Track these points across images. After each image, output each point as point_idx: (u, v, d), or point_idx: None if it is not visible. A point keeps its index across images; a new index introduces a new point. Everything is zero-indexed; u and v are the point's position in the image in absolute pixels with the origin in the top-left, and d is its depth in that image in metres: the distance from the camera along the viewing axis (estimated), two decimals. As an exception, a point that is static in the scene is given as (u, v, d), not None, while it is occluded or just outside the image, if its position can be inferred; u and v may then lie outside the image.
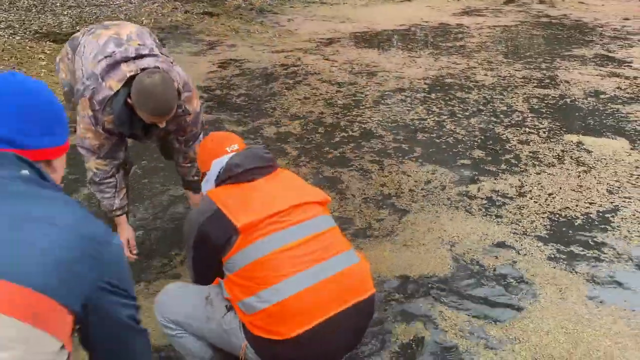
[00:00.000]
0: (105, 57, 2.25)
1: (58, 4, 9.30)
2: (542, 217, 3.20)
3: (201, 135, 2.67)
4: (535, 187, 3.55)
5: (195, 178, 2.71)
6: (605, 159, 3.97)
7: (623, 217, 3.21)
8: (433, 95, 5.37)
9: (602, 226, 3.12)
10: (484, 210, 3.29)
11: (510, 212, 3.27)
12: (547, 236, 3.02)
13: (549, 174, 3.74)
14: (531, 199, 3.41)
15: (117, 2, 9.72)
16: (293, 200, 1.88)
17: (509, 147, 4.19)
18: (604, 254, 2.87)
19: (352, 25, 8.84)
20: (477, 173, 3.77)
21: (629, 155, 4.02)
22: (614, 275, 2.70)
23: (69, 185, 3.45)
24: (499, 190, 3.52)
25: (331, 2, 10.96)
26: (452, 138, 4.35)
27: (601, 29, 8.53)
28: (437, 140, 4.31)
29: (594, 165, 3.87)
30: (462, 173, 3.77)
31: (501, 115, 4.83)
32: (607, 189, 3.53)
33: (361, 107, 5.05)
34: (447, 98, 5.29)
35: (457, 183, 3.63)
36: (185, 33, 8.06)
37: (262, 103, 5.15)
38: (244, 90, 5.52)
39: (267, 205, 1.84)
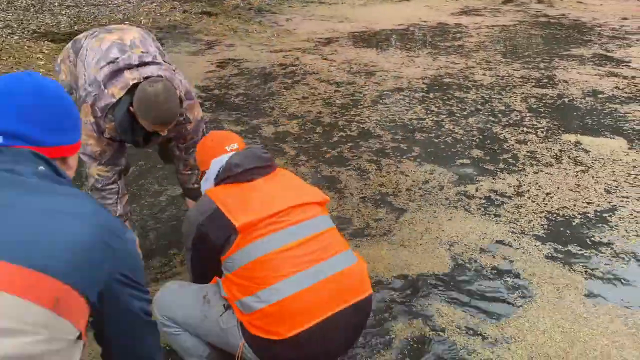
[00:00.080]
0: (108, 63, 2.23)
1: (56, 4, 9.30)
2: (540, 217, 3.21)
3: None
4: (533, 187, 3.56)
5: (196, 186, 2.70)
6: (603, 158, 3.97)
7: (621, 216, 3.21)
8: (431, 95, 5.37)
9: (600, 225, 3.12)
10: (482, 209, 3.29)
11: (508, 211, 3.27)
12: (544, 235, 3.02)
13: (547, 173, 3.75)
14: (529, 198, 3.42)
15: (116, 2, 9.72)
16: (292, 201, 1.89)
17: (507, 146, 4.19)
18: (602, 253, 2.87)
19: (351, 25, 8.85)
20: (475, 172, 3.77)
21: (627, 155, 4.03)
22: (611, 274, 2.70)
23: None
24: (497, 190, 3.53)
25: (329, 2, 10.96)
26: (450, 138, 4.35)
27: (599, 28, 8.53)
28: (436, 140, 4.31)
29: (591, 164, 3.87)
30: (460, 172, 3.77)
31: (499, 115, 4.83)
32: (604, 189, 3.53)
33: (359, 106, 5.05)
34: (446, 98, 5.29)
35: (455, 182, 3.63)
36: (183, 33, 8.06)
37: (261, 103, 5.15)
38: (243, 90, 5.52)
39: (266, 205, 1.85)
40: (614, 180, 3.64)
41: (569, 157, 4.00)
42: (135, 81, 2.16)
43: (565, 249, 2.90)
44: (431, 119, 4.76)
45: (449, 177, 3.70)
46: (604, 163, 3.89)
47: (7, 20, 7.94)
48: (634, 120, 4.69)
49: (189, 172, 2.73)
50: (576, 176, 3.70)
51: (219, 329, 1.86)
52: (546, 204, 3.34)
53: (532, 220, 3.17)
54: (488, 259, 2.82)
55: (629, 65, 6.41)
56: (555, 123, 4.64)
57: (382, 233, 3.06)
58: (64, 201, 1.10)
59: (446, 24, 8.92)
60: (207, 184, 2.06)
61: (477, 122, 4.68)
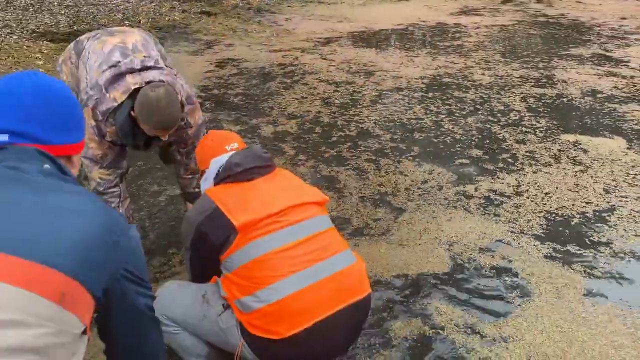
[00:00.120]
0: (110, 67, 2.23)
1: (55, 3, 9.29)
2: (539, 217, 3.21)
3: None
4: (532, 187, 3.56)
5: (196, 190, 2.70)
6: (601, 158, 3.98)
7: (619, 216, 3.21)
8: (430, 95, 5.37)
9: (599, 225, 3.12)
10: (481, 209, 3.30)
11: (507, 211, 3.27)
12: (543, 235, 3.03)
13: (546, 173, 3.75)
14: (528, 198, 3.42)
15: (115, 2, 9.72)
16: (292, 201, 1.89)
17: (506, 146, 4.19)
18: (601, 253, 2.87)
19: (350, 25, 8.85)
20: (474, 172, 3.77)
21: (625, 154, 4.03)
22: (610, 274, 2.71)
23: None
24: (496, 190, 3.53)
25: (329, 2, 10.96)
26: (449, 138, 4.36)
27: (598, 28, 8.54)
28: (435, 140, 4.32)
29: (590, 164, 3.88)
30: (459, 172, 3.77)
31: (498, 115, 4.83)
32: (603, 188, 3.54)
33: (358, 106, 5.05)
34: (445, 97, 5.30)
35: (454, 182, 3.63)
36: (182, 32, 8.06)
37: (260, 102, 5.15)
38: (242, 90, 5.52)
39: (266, 204, 1.85)
40: (612, 180, 3.64)
41: (567, 156, 4.00)
42: (137, 86, 2.16)
43: (564, 248, 2.91)
44: (430, 118, 4.76)
45: (448, 177, 3.70)
46: (603, 163, 3.90)
47: (6, 20, 7.94)
48: (632, 120, 4.70)
49: (190, 176, 2.74)
50: (575, 176, 3.71)
51: (218, 329, 1.87)
52: (545, 204, 3.35)
53: (531, 220, 3.17)
54: (487, 259, 2.82)
55: (628, 65, 6.42)
56: (554, 123, 4.64)
57: (381, 232, 3.06)
58: (69, 198, 1.11)
59: (445, 24, 8.93)
60: (206, 184, 2.06)
61: (476, 121, 4.68)
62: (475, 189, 3.53)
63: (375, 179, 3.68)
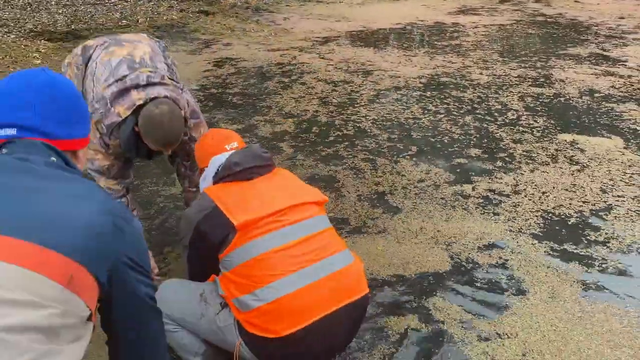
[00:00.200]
0: (117, 80, 2.24)
1: (53, 3, 9.28)
2: (536, 216, 3.21)
3: None
4: (530, 186, 3.56)
5: None
6: (598, 157, 3.98)
7: (616, 215, 3.22)
8: (428, 94, 5.38)
9: (596, 225, 3.13)
10: (478, 208, 3.30)
11: (505, 210, 3.28)
12: (540, 234, 3.03)
13: (543, 172, 3.75)
14: (525, 197, 3.42)
15: (112, 0, 9.70)
16: (291, 200, 1.90)
17: (504, 145, 4.19)
18: (598, 252, 2.88)
19: (348, 24, 8.85)
20: (472, 171, 3.78)
21: (622, 154, 4.04)
22: (607, 273, 2.71)
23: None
24: (493, 189, 3.53)
25: (327, 1, 10.96)
26: (447, 137, 4.36)
27: (596, 27, 8.54)
28: (432, 139, 4.32)
29: (587, 164, 3.88)
30: (457, 171, 3.78)
31: (496, 114, 4.84)
32: (600, 188, 3.54)
33: (356, 105, 5.05)
34: (442, 97, 5.30)
35: (452, 181, 3.63)
36: (180, 32, 8.06)
37: (258, 101, 5.15)
38: (240, 89, 5.52)
39: (265, 204, 1.85)
40: (609, 180, 3.65)
41: (565, 156, 4.00)
42: (141, 102, 2.18)
43: (561, 247, 2.91)
44: (428, 118, 4.76)
45: (445, 176, 3.70)
46: (600, 162, 3.90)
47: (4, 19, 7.93)
48: (630, 120, 4.70)
49: (194, 189, 2.74)
50: (572, 175, 3.71)
51: (215, 327, 1.87)
52: (542, 203, 3.35)
53: (528, 219, 3.17)
54: (484, 257, 2.82)
55: (626, 65, 6.42)
56: (552, 122, 4.65)
57: (378, 231, 3.06)
58: (75, 187, 1.16)
59: (443, 23, 8.93)
60: (205, 182, 2.06)
61: (474, 121, 4.68)
62: (473, 188, 3.54)
63: (372, 178, 3.69)
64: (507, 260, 2.81)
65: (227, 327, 1.84)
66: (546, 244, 2.94)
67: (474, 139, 4.31)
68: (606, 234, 3.04)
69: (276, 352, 1.78)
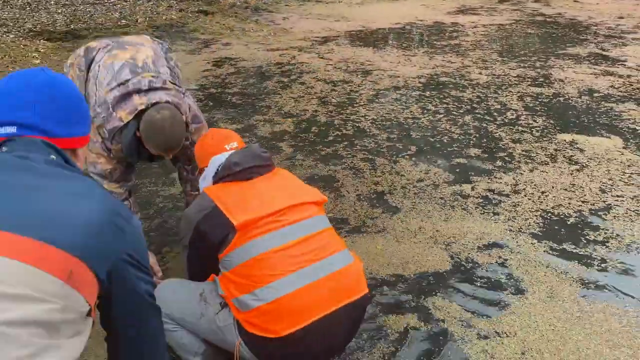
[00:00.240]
0: (119, 84, 2.24)
1: (52, 2, 9.28)
2: (535, 215, 3.21)
3: None
4: (529, 186, 3.56)
5: None
6: (598, 157, 3.98)
7: (616, 215, 3.22)
8: (427, 94, 5.38)
9: (595, 224, 3.13)
10: (478, 208, 3.30)
11: (505, 209, 3.28)
12: (539, 234, 3.03)
13: (542, 172, 3.75)
14: (525, 197, 3.42)
15: (112, 0, 9.70)
16: (290, 200, 1.90)
17: (503, 145, 4.20)
18: (597, 251, 2.88)
19: (347, 24, 8.85)
20: (471, 171, 3.78)
21: (622, 154, 4.04)
22: (606, 273, 2.71)
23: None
24: (493, 189, 3.53)
25: (326, 1, 10.96)
26: (446, 137, 4.36)
27: (595, 27, 8.55)
28: (431, 139, 4.32)
29: (586, 163, 3.88)
30: (456, 171, 3.78)
31: (495, 114, 4.84)
32: (599, 188, 3.54)
33: (355, 105, 5.05)
34: (442, 96, 5.30)
35: (451, 181, 3.63)
36: (180, 31, 8.06)
37: (257, 101, 5.15)
38: (239, 89, 5.52)
39: (264, 204, 1.85)
40: (609, 179, 3.65)
41: (564, 156, 4.01)
42: (143, 107, 2.19)
43: (560, 247, 2.91)
44: (427, 117, 4.76)
45: (444, 176, 3.70)
46: (599, 162, 3.90)
47: (3, 19, 7.92)
48: (629, 119, 4.70)
49: (196, 193, 2.75)
50: (571, 175, 3.71)
51: (215, 327, 1.87)
52: (541, 203, 3.35)
53: (527, 219, 3.17)
54: (483, 257, 2.82)
55: (625, 64, 6.43)
56: (551, 122, 4.65)
57: (377, 231, 3.06)
58: (75, 185, 1.17)
59: (442, 23, 8.93)
60: (205, 182, 2.07)
61: (473, 120, 4.69)
62: (472, 188, 3.54)
63: (371, 177, 3.69)
64: (506, 259, 2.81)
65: (226, 327, 1.85)
66: (545, 243, 2.94)
67: (473, 139, 4.31)
68: (605, 233, 3.04)
69: (276, 352, 1.78)
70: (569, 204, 3.35)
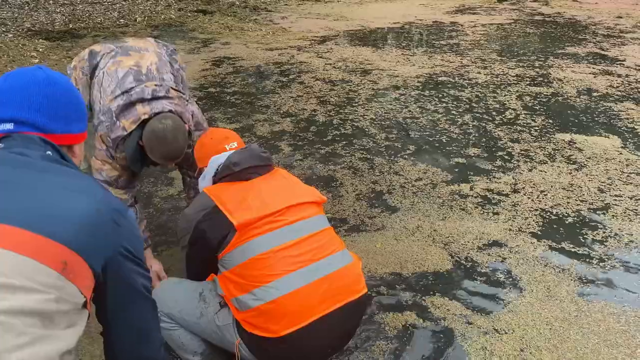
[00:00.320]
0: (122, 93, 2.26)
1: (51, 2, 9.27)
2: (534, 215, 3.21)
3: None
4: (528, 185, 3.57)
5: None
6: (596, 157, 3.99)
7: (614, 214, 3.22)
8: (426, 93, 5.38)
9: (593, 224, 3.13)
10: (476, 207, 3.30)
11: (503, 208, 3.28)
12: (538, 233, 3.03)
13: (541, 171, 3.76)
14: (524, 196, 3.43)
15: (110, 0, 9.70)
16: (289, 200, 1.90)
17: (502, 144, 4.20)
18: (595, 251, 2.88)
19: (346, 23, 8.85)
20: (469, 171, 3.78)
21: (620, 153, 4.04)
22: (604, 272, 2.72)
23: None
24: (491, 188, 3.53)
25: (325, 0, 10.96)
26: (445, 136, 4.36)
27: (594, 27, 8.56)
28: (430, 139, 4.32)
29: (585, 163, 3.89)
30: (455, 170, 3.78)
31: (494, 113, 4.84)
32: (598, 187, 3.54)
33: (354, 105, 5.05)
34: (441, 96, 5.30)
35: (450, 181, 3.64)
36: (179, 31, 8.06)
37: (256, 101, 5.15)
38: (238, 88, 5.52)
39: (264, 204, 1.86)
40: (607, 179, 3.65)
41: (562, 155, 4.01)
42: (146, 116, 2.20)
43: (559, 246, 2.91)
44: (426, 117, 4.76)
45: (443, 176, 3.71)
46: (598, 161, 3.91)
47: (2, 18, 7.92)
48: (627, 119, 4.71)
49: None
50: (570, 174, 3.71)
51: (214, 327, 1.88)
52: (540, 202, 3.35)
53: (526, 218, 3.18)
54: (482, 255, 2.83)
55: (623, 64, 6.43)
56: (550, 121, 4.65)
57: (376, 230, 3.06)
58: (71, 179, 1.19)
59: (442, 23, 8.93)
60: (205, 182, 2.07)
61: (472, 120, 4.69)
62: (471, 187, 3.54)
63: (370, 177, 3.69)
64: (505, 258, 2.81)
65: (225, 327, 1.85)
66: (544, 242, 2.95)
67: (472, 138, 4.32)
68: (604, 233, 3.04)
69: (274, 351, 1.78)
70: (568, 203, 3.35)
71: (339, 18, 9.28)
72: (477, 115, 4.80)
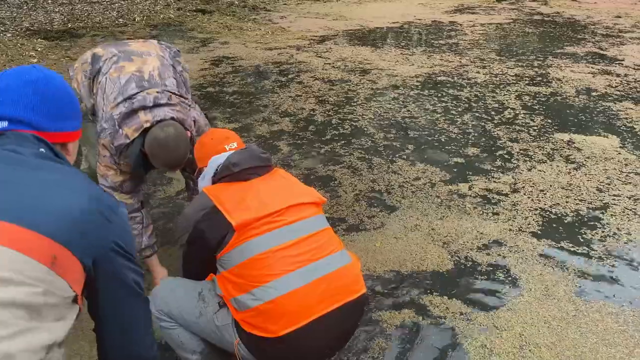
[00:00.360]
0: (125, 99, 2.27)
1: (50, 1, 9.27)
2: (533, 214, 3.22)
3: None
4: (527, 185, 3.57)
5: None
6: (595, 156, 3.99)
7: (613, 214, 3.23)
8: (425, 93, 5.38)
9: (592, 223, 3.14)
10: (475, 206, 3.30)
11: (502, 208, 3.28)
12: (537, 232, 3.03)
13: (540, 171, 3.76)
14: (523, 195, 3.43)
15: (110, -1, 9.69)
16: (288, 201, 1.90)
17: (501, 144, 4.20)
18: (594, 250, 2.88)
19: (345, 23, 8.85)
20: (468, 170, 3.78)
21: (619, 153, 4.04)
22: (603, 271, 2.72)
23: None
24: (490, 188, 3.53)
25: (324, 0, 10.96)
26: (443, 136, 4.36)
27: (593, 26, 8.56)
28: (429, 138, 4.32)
29: (584, 162, 3.89)
30: (453, 170, 3.78)
31: (493, 113, 4.84)
32: (597, 187, 3.55)
33: (353, 104, 5.05)
34: (440, 95, 5.30)
35: (448, 180, 3.64)
36: (177, 30, 8.05)
37: (255, 100, 5.14)
38: (237, 88, 5.52)
39: (262, 204, 1.86)
40: (606, 178, 3.65)
41: (561, 155, 4.01)
42: (148, 124, 2.22)
43: (558, 246, 2.92)
44: (425, 117, 4.76)
45: (441, 175, 3.71)
46: (597, 161, 3.91)
47: (0, 18, 7.91)
48: (626, 118, 4.71)
49: None
50: (569, 174, 3.72)
51: (213, 326, 1.88)
52: (539, 201, 3.36)
53: (524, 218, 3.18)
54: (481, 254, 2.83)
55: (622, 64, 6.44)
56: (549, 121, 4.65)
57: (375, 229, 3.06)
58: (62, 175, 1.20)
59: (440, 22, 8.94)
60: (204, 182, 2.07)
61: (471, 119, 4.69)
62: (470, 187, 3.54)
63: (369, 177, 3.69)
64: (503, 257, 2.81)
65: (224, 327, 1.85)
66: (543, 242, 2.95)
67: (471, 138, 4.32)
68: (603, 232, 3.05)
69: (273, 352, 1.78)
70: (567, 203, 3.35)
71: (338, 17, 9.28)
72: (476, 114, 4.81)
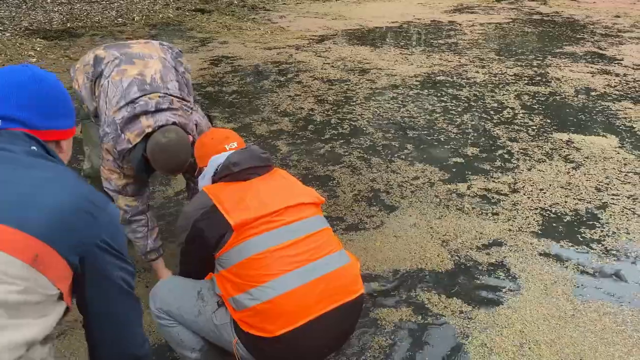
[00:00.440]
0: (127, 104, 2.27)
1: (49, 1, 9.26)
2: (533, 214, 3.22)
3: None
4: (526, 184, 3.57)
5: None
6: (594, 156, 3.99)
7: (612, 213, 3.23)
8: (425, 92, 5.38)
9: (591, 223, 3.14)
10: (475, 205, 3.30)
11: (502, 207, 3.28)
12: (536, 232, 3.04)
13: (539, 170, 3.76)
14: (523, 195, 3.43)
15: (109, -1, 9.68)
16: (287, 201, 1.90)
17: (500, 143, 4.20)
18: (593, 250, 2.89)
19: (345, 23, 8.85)
20: (467, 170, 3.78)
21: (618, 153, 4.05)
22: (602, 271, 2.72)
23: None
24: (490, 188, 3.53)
25: (324, -1, 10.96)
26: (443, 135, 4.36)
27: (592, 26, 8.57)
28: (428, 138, 4.32)
29: (583, 162, 3.89)
30: (452, 170, 3.78)
31: (492, 113, 4.84)
32: (596, 187, 3.55)
33: (352, 104, 5.05)
34: (439, 95, 5.30)
35: (448, 180, 3.64)
36: (177, 30, 8.05)
37: (254, 100, 5.14)
38: (236, 87, 5.52)
39: (262, 204, 1.86)
40: (605, 178, 3.66)
41: (560, 154, 4.01)
42: (150, 129, 2.23)
43: (557, 245, 2.92)
44: (424, 116, 4.76)
45: (440, 175, 3.71)
46: (596, 161, 3.91)
47: (-1, 17, 7.90)
48: (625, 118, 4.72)
49: None
50: (568, 173, 3.72)
51: (212, 325, 1.88)
52: (538, 201, 3.36)
53: (524, 217, 3.18)
54: (480, 254, 2.83)
55: (621, 63, 6.44)
56: (548, 120, 4.66)
57: (374, 228, 3.06)
58: (50, 173, 1.20)
59: (440, 22, 8.94)
60: (204, 181, 2.07)
61: (471, 119, 4.69)
62: (469, 187, 3.54)
63: (368, 176, 3.69)
64: (503, 256, 2.81)
65: (223, 326, 1.85)
66: (542, 241, 2.95)
67: (471, 137, 4.32)
68: (602, 231, 3.05)
69: (271, 351, 1.78)
70: (566, 202, 3.35)
71: (337, 17, 9.28)
72: (476, 114, 4.81)
